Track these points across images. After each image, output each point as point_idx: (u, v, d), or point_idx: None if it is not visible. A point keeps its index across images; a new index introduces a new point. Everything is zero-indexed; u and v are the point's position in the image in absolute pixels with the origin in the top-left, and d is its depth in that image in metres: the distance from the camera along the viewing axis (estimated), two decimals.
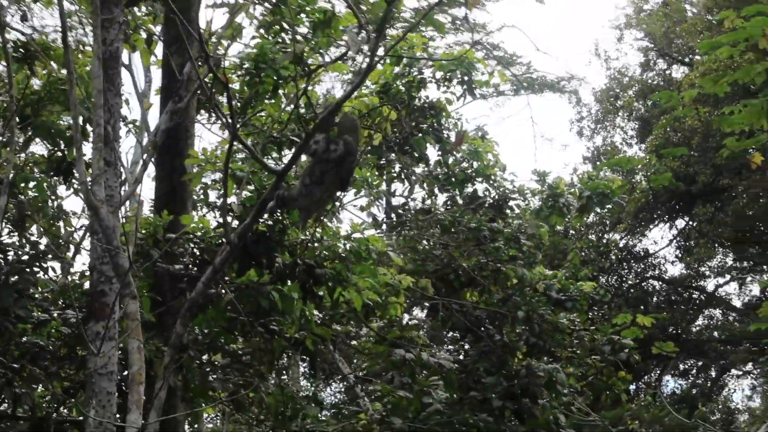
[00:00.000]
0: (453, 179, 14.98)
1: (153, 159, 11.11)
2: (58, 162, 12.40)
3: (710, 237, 29.66)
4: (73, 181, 12.78)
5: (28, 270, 9.01)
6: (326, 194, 7.79)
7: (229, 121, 7.45)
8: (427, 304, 14.62)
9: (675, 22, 31.44)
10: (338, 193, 9.31)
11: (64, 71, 12.25)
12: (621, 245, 31.25)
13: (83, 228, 13.08)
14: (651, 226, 31.75)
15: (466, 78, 14.10)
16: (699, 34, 30.36)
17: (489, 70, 14.48)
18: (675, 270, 32.89)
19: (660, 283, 32.21)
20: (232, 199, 10.68)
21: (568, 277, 15.00)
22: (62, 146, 12.51)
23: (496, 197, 15.07)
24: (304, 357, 12.58)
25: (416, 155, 14.68)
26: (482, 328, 14.37)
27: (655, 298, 31.66)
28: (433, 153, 15.02)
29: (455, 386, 12.97)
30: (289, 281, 10.66)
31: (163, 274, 10.42)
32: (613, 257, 30.36)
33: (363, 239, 11.10)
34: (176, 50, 11.94)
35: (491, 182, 15.04)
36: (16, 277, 8.91)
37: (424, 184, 15.37)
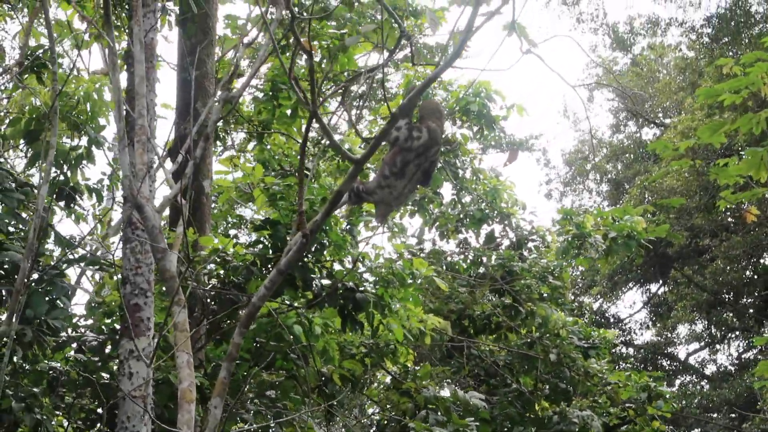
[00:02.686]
0: (467, 219, 14.25)
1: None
2: (61, 186, 11.45)
3: (688, 301, 29.08)
4: (76, 206, 11.82)
5: (61, 277, 8.05)
6: (408, 188, 6.87)
7: (309, 97, 6.58)
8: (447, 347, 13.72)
9: (647, 82, 31.17)
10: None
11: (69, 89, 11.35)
12: (595, 308, 30.66)
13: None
14: (624, 289, 31.22)
15: (484, 111, 13.44)
16: (673, 95, 30.12)
17: (507, 104, 13.78)
18: (646, 336, 32.37)
19: (631, 349, 31.61)
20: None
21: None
22: (65, 169, 11.56)
23: (514, 238, 14.35)
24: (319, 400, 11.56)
25: (432, 192, 13.95)
26: (499, 376, 13.62)
27: (625, 365, 30.97)
28: (446, 192, 14.37)
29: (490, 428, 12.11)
30: (326, 305, 9.76)
31: (192, 294, 9.51)
32: (587, 320, 29.71)
33: (407, 262, 10.24)
34: (190, 62, 11.15)
35: (507, 223, 14.31)
36: (47, 285, 7.94)
37: (436, 225, 14.59)
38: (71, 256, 8.23)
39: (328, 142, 10.18)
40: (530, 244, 14.31)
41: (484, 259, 13.64)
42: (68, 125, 11.32)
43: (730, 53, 24.92)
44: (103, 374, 9.34)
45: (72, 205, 11.68)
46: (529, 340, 13.62)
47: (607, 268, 23.76)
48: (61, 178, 11.51)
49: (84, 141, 11.64)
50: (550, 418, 12.78)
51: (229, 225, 12.74)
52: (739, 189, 10.14)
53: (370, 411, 14.32)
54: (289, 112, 12.07)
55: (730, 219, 28.26)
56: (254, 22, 10.56)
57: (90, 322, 10.27)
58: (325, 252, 9.64)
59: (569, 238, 13.42)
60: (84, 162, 11.65)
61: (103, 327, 9.67)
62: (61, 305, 7.94)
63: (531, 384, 13.58)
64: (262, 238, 9.79)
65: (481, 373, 13.81)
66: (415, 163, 6.71)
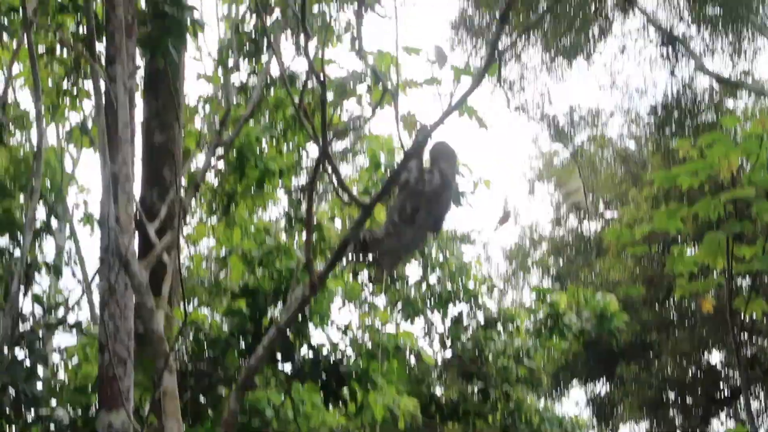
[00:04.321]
0: (433, 299, 13.71)
1: None
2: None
3: (635, 398, 28.58)
4: (32, 285, 11.13)
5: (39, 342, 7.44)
6: (418, 236, 6.37)
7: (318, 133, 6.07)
8: None
9: (588, 174, 30.93)
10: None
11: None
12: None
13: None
14: (569, 386, 30.67)
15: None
16: (615, 188, 29.99)
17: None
18: None
19: None
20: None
21: None
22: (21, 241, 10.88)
23: (482, 320, 13.83)
24: None
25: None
26: None
27: None
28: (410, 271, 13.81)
29: None
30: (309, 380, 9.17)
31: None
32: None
33: (392, 334, 9.69)
34: (158, 125, 10.64)
35: (474, 303, 13.80)
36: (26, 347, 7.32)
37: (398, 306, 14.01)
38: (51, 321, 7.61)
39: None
40: (499, 326, 13.78)
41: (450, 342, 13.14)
42: (26, 195, 10.72)
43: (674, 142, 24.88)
44: None
45: (29, 285, 11.00)
46: (502, 428, 13.09)
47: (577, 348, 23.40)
48: (18, 253, 10.84)
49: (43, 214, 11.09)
50: None
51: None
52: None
53: None
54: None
55: (673, 314, 28.05)
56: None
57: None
58: (308, 323, 9.09)
59: (542, 318, 12.96)
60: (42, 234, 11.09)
61: (68, 404, 9.00)
62: (39, 372, 7.35)
63: None
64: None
65: None
66: (426, 209, 6.22)
